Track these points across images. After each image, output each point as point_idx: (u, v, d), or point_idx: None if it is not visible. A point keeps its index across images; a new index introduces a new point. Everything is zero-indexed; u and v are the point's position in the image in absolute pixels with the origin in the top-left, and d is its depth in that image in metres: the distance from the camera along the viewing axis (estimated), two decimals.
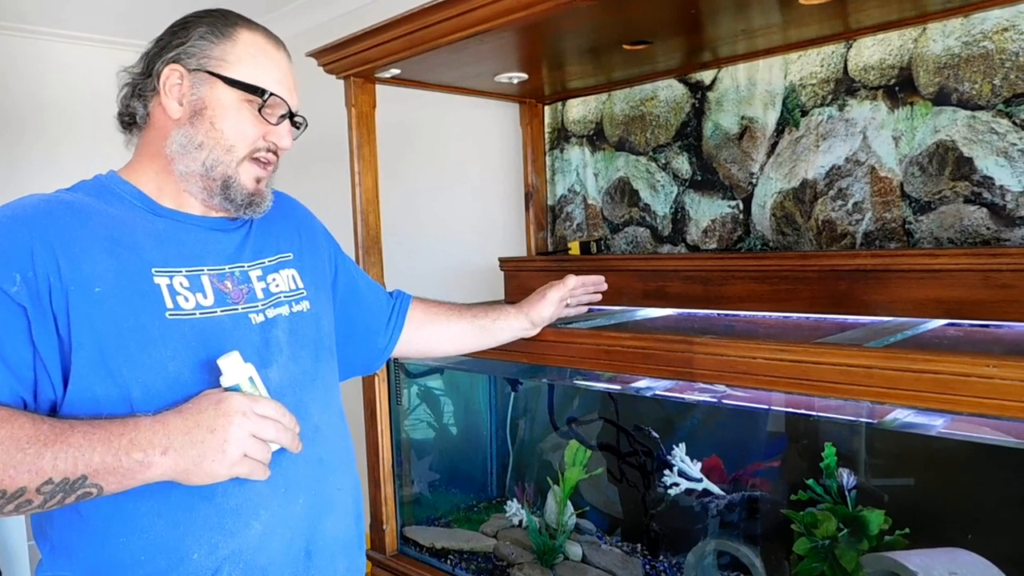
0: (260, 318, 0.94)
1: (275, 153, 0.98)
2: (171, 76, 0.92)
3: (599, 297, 1.41)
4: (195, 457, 0.78)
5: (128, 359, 0.83)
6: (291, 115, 0.98)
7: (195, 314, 0.88)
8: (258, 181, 0.97)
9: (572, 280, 1.31)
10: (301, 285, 1.03)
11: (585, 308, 1.44)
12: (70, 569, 0.86)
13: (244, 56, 0.93)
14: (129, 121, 0.97)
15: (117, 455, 0.76)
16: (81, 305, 0.82)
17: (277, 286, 0.99)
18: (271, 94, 0.93)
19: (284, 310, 0.98)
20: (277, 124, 0.95)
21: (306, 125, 1.02)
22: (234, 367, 0.84)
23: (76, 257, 0.84)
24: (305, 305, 1.01)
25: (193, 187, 0.93)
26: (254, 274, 0.97)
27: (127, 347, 0.83)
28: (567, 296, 1.32)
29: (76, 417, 0.81)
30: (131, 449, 0.77)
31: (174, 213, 0.94)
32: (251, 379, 0.85)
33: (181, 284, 0.89)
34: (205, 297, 0.90)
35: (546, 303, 1.29)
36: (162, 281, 0.88)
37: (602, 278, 1.36)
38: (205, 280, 0.92)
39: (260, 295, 0.96)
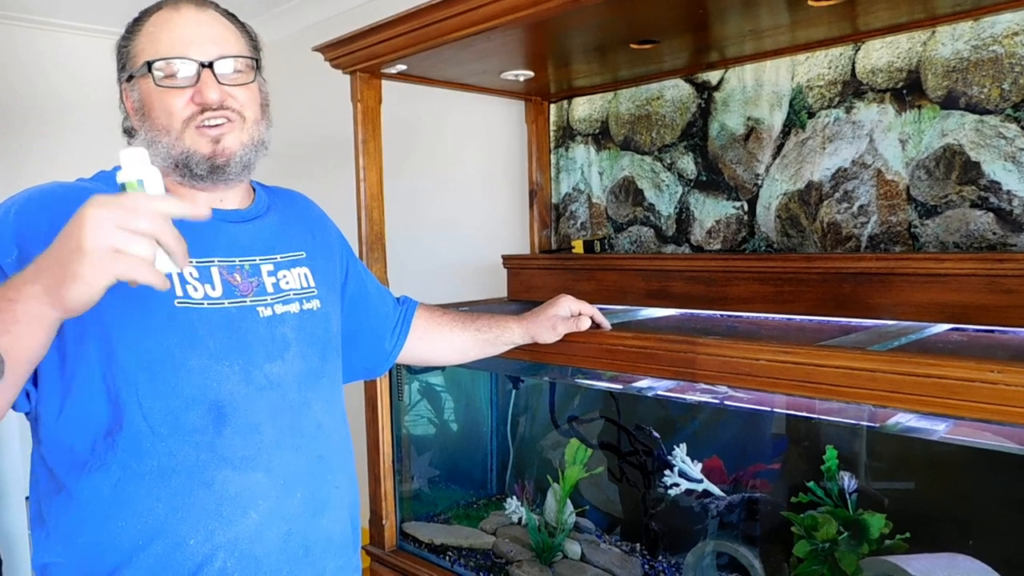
0: (268, 312, 0.94)
1: (219, 109, 0.90)
2: (126, 96, 0.96)
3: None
4: (58, 270, 0.67)
5: (134, 345, 0.84)
6: (208, 65, 0.89)
7: (203, 304, 0.89)
8: (216, 141, 0.91)
9: (586, 324, 1.27)
10: (313, 284, 1.02)
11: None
12: (66, 555, 0.87)
13: (146, 40, 0.92)
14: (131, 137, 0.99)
15: None
16: None
17: (287, 283, 0.99)
18: (153, 61, 0.89)
19: (294, 307, 0.98)
20: (197, 83, 0.90)
21: (256, 63, 0.95)
22: (132, 162, 0.72)
23: None
24: (316, 304, 1.01)
25: (175, 176, 0.93)
26: (265, 268, 0.97)
27: (133, 333, 0.84)
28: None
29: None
30: (6, 291, 0.70)
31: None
32: (140, 182, 0.72)
33: (191, 274, 0.89)
34: (214, 288, 0.90)
35: (553, 334, 1.26)
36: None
37: (608, 325, 1.30)
38: (214, 272, 0.92)
39: (270, 289, 0.96)
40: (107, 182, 0.94)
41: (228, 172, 0.93)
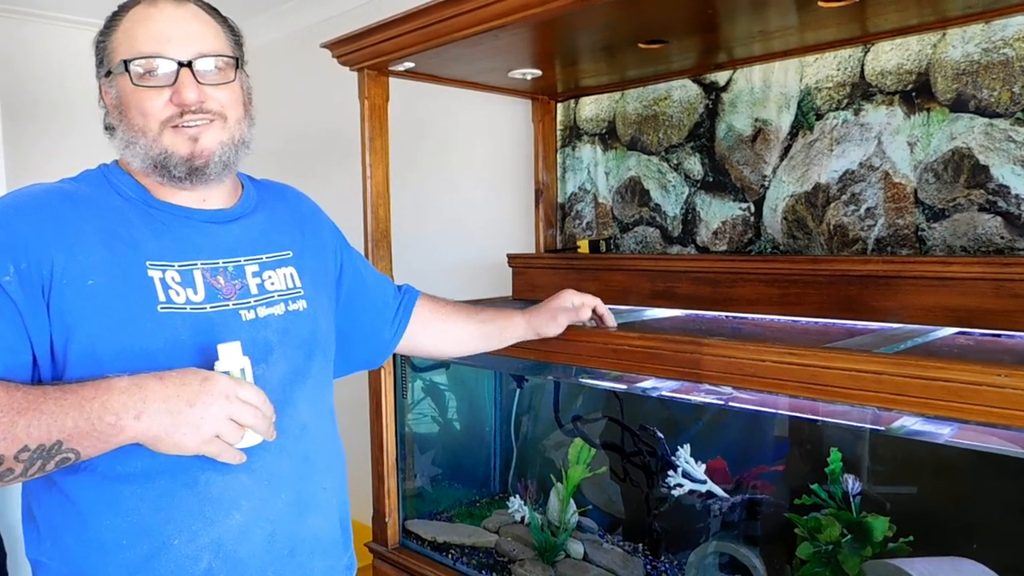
0: (251, 315, 0.93)
1: (198, 112, 0.89)
2: (104, 92, 0.95)
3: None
4: (168, 426, 0.78)
5: (119, 352, 0.83)
6: (187, 64, 0.88)
7: (185, 308, 0.88)
8: (195, 140, 0.90)
9: (587, 314, 1.27)
10: (299, 284, 1.01)
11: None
12: (52, 553, 0.87)
13: (122, 37, 0.91)
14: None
15: (90, 419, 0.76)
16: (74, 297, 0.83)
17: (272, 284, 0.98)
18: (130, 59, 0.88)
19: (278, 309, 0.97)
20: (175, 83, 0.88)
21: (238, 61, 0.94)
22: (231, 355, 0.85)
23: (72, 249, 0.84)
24: (302, 304, 1.00)
25: (155, 177, 0.92)
26: (250, 269, 0.96)
27: (118, 339, 0.84)
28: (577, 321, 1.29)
29: (52, 383, 0.81)
30: (103, 413, 0.76)
31: (168, 206, 0.94)
32: (242, 370, 0.85)
33: (173, 279, 0.89)
34: (195, 293, 0.90)
35: (555, 325, 1.27)
36: (155, 274, 0.88)
37: (611, 317, 1.31)
38: (197, 275, 0.91)
39: (254, 291, 0.95)
40: (90, 183, 0.93)
41: (207, 173, 0.92)
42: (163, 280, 0.88)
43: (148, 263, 0.88)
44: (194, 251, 0.92)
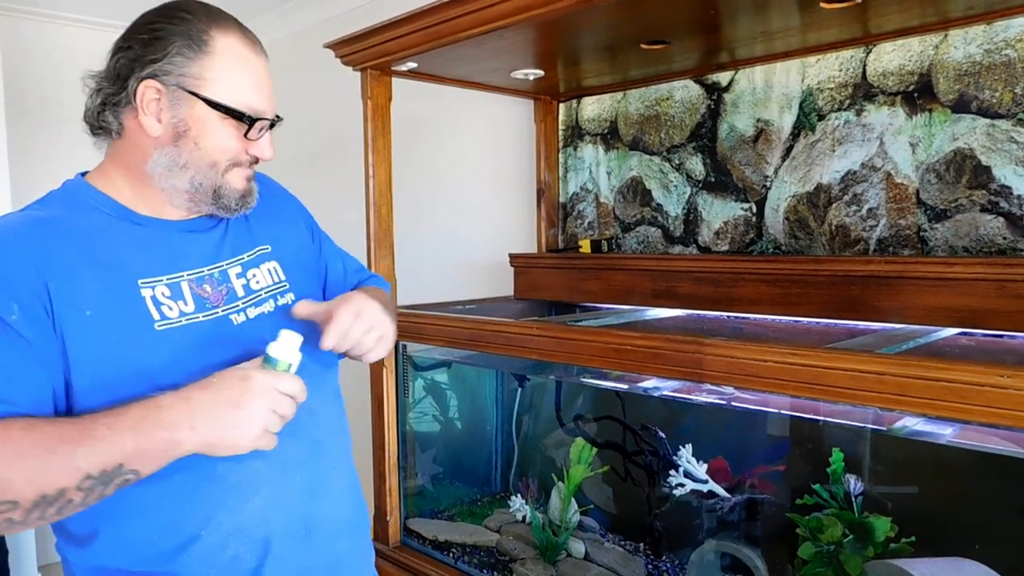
0: (241, 318, 0.94)
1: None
2: (147, 93, 0.88)
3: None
4: (220, 431, 0.80)
5: (124, 375, 0.84)
6: (271, 125, 0.95)
7: (180, 322, 0.89)
8: (249, 180, 0.96)
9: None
10: (283, 277, 1.02)
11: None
12: (83, 555, 0.88)
13: (222, 70, 0.89)
14: (98, 129, 0.94)
15: (147, 437, 0.78)
16: (76, 330, 0.83)
17: (258, 282, 0.98)
18: (255, 118, 0.91)
19: (267, 306, 0.98)
20: (259, 138, 0.93)
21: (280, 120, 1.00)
22: (288, 346, 0.85)
23: (62, 277, 0.84)
24: (290, 297, 1.01)
25: (178, 199, 0.93)
26: (233, 271, 0.97)
27: (121, 365, 0.84)
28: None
29: (99, 411, 0.81)
30: (158, 429, 0.78)
31: (151, 220, 0.94)
32: (290, 365, 0.86)
33: (163, 294, 0.89)
34: (186, 304, 0.90)
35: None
36: (147, 293, 0.88)
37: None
38: (185, 286, 0.91)
39: (240, 293, 0.96)
40: (59, 205, 0.91)
41: (248, 206, 0.97)
42: (154, 297, 0.88)
43: (140, 282, 0.88)
44: (180, 262, 0.93)
